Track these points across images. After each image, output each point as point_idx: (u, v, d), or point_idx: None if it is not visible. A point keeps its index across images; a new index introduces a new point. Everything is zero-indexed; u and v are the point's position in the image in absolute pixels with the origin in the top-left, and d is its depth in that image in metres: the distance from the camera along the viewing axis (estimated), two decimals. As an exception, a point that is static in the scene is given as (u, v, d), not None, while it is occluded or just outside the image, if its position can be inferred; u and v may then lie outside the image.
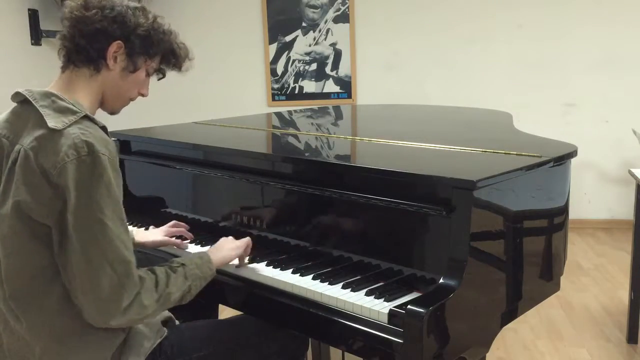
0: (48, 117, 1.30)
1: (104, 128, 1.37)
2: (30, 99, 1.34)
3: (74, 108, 1.33)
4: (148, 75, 1.49)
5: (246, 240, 1.67)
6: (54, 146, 1.26)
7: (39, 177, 1.26)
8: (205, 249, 1.79)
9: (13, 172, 1.30)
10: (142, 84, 1.49)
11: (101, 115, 1.48)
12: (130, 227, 1.78)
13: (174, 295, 1.40)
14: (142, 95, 1.51)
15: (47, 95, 1.35)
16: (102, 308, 1.27)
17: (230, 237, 1.68)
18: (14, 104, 1.41)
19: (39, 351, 1.34)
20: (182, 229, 1.87)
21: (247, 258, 1.69)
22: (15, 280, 1.32)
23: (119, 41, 1.39)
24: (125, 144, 2.21)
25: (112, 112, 1.50)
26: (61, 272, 1.30)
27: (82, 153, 1.25)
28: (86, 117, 1.34)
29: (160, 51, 1.47)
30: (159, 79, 1.56)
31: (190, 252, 1.77)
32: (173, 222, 1.88)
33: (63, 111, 1.32)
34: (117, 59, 1.40)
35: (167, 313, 1.62)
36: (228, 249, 1.62)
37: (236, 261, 1.66)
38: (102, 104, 1.47)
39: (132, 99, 1.50)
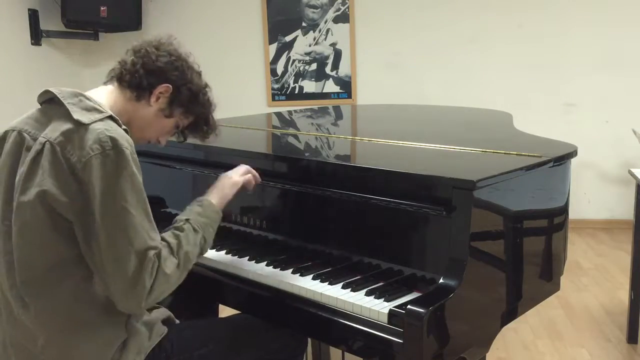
0: (75, 113, 1.34)
1: (125, 130, 1.40)
2: (59, 96, 1.38)
3: (100, 108, 1.38)
4: (176, 127, 1.56)
5: (244, 169, 1.64)
6: (80, 140, 1.30)
7: (64, 171, 1.29)
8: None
9: (38, 163, 1.32)
10: (166, 132, 1.56)
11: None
12: None
13: (192, 252, 1.42)
14: (159, 143, 1.58)
15: (76, 94, 1.40)
16: (130, 294, 1.30)
17: (229, 172, 1.64)
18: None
19: (42, 342, 1.35)
20: None
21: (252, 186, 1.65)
22: (29, 268, 1.33)
23: (170, 85, 1.47)
24: (125, 144, 2.21)
25: None
26: (90, 265, 1.33)
27: (106, 147, 1.29)
28: (111, 117, 1.38)
29: (197, 113, 1.55)
30: (178, 141, 1.64)
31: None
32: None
33: (89, 109, 1.37)
34: (159, 100, 1.48)
35: (166, 312, 1.62)
36: (228, 186, 1.59)
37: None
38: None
39: (149, 141, 1.56)
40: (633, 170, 2.81)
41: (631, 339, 2.85)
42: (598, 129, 4.71)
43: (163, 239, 1.40)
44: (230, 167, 1.89)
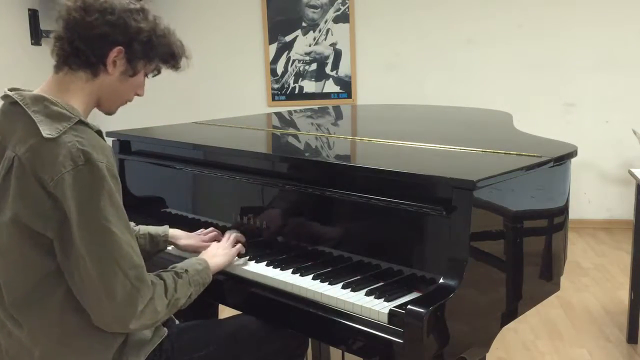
0: (41, 124, 1.26)
1: (98, 132, 1.35)
2: (22, 104, 1.31)
3: (67, 113, 1.30)
4: (146, 76, 1.48)
5: (238, 245, 1.69)
6: (50, 156, 1.24)
7: (36, 188, 1.24)
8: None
9: (9, 182, 1.27)
10: (139, 85, 1.47)
11: (98, 117, 1.48)
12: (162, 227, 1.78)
13: (181, 301, 1.42)
14: (139, 95, 1.49)
15: (39, 99, 1.31)
16: (118, 314, 1.27)
17: (222, 242, 1.70)
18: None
19: (39, 354, 1.33)
20: (217, 234, 1.83)
21: (240, 258, 1.70)
22: (15, 289, 1.31)
23: (120, 47, 1.36)
24: (125, 144, 2.21)
25: (109, 113, 1.49)
26: (68, 280, 1.29)
27: (79, 163, 1.23)
28: (80, 122, 1.31)
29: (159, 54, 1.44)
30: (154, 76, 1.52)
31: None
32: (211, 228, 1.84)
33: (56, 117, 1.28)
34: (117, 64, 1.38)
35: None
36: (222, 255, 1.63)
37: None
38: (99, 106, 1.45)
39: (129, 101, 1.49)
40: (633, 170, 2.81)
41: (631, 339, 2.85)
42: (598, 129, 4.70)
43: (161, 277, 1.40)
44: (229, 167, 1.90)
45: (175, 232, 1.77)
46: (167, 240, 1.74)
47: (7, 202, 1.28)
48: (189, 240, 1.76)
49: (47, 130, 1.26)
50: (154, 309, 1.32)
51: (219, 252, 1.64)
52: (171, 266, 1.48)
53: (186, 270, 1.47)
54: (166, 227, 1.77)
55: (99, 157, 1.26)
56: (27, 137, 1.27)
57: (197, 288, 1.48)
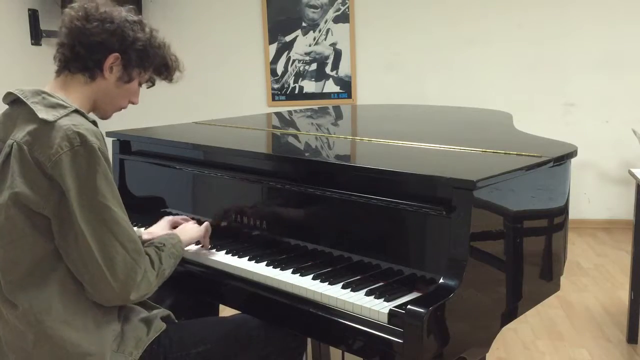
0: (40, 112, 1.34)
1: (93, 122, 1.41)
2: (22, 97, 1.38)
3: (64, 103, 1.38)
4: (140, 84, 1.57)
5: (206, 225, 1.77)
6: (47, 139, 1.30)
7: (34, 170, 1.30)
8: (196, 247, 1.80)
9: (8, 165, 1.34)
10: (134, 93, 1.56)
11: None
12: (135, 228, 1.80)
13: (166, 272, 1.49)
14: (133, 103, 1.59)
15: (38, 92, 1.40)
16: (120, 286, 1.34)
17: (191, 222, 1.79)
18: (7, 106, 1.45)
19: (33, 338, 1.35)
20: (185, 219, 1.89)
21: (209, 244, 1.78)
22: (12, 270, 1.34)
23: (117, 54, 1.46)
24: (125, 144, 2.21)
25: (103, 118, 1.57)
26: (65, 259, 1.34)
27: (75, 144, 1.30)
28: (76, 111, 1.38)
29: (154, 64, 1.55)
30: (148, 87, 1.63)
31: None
32: (180, 217, 1.90)
33: (53, 106, 1.37)
34: (113, 70, 1.48)
35: (166, 312, 1.62)
36: (192, 231, 1.72)
37: (194, 247, 1.77)
38: (94, 109, 1.53)
39: (123, 107, 1.57)
40: (633, 170, 2.81)
41: (631, 339, 2.85)
42: (598, 129, 4.71)
43: (146, 253, 1.45)
44: (229, 167, 1.90)
45: (148, 236, 1.78)
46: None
47: (5, 185, 1.33)
48: (160, 230, 1.80)
49: (44, 115, 1.34)
50: (148, 280, 1.40)
51: (189, 228, 1.72)
52: (148, 242, 1.54)
53: (163, 244, 1.53)
54: (141, 230, 1.82)
55: (93, 140, 1.33)
56: (25, 125, 1.35)
57: (174, 260, 1.54)
